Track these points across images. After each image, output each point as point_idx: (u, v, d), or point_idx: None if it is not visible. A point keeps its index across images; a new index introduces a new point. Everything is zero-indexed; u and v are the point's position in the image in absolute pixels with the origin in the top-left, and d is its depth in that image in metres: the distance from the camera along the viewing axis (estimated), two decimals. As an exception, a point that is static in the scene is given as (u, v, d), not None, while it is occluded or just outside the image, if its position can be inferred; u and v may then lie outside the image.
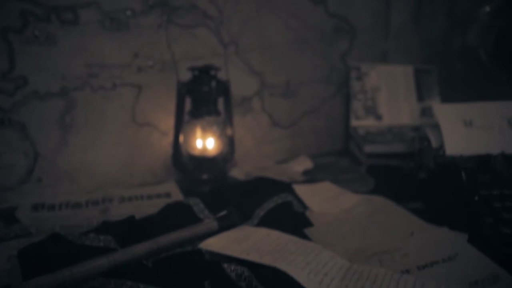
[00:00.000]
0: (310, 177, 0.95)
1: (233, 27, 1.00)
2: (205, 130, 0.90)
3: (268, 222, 0.76)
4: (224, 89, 0.91)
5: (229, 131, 0.95)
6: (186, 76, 0.91)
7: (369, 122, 1.16)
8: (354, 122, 1.15)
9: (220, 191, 0.87)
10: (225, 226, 0.73)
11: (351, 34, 1.19)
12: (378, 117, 1.16)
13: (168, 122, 0.94)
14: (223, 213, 0.75)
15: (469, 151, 0.79)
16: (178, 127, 0.89)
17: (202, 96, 0.87)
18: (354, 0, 1.17)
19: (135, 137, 0.94)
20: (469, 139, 0.80)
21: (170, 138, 0.94)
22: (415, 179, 0.84)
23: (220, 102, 0.94)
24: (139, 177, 0.97)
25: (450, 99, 1.23)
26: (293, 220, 0.76)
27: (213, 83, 0.87)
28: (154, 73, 0.93)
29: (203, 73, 0.86)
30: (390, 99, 1.18)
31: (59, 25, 0.82)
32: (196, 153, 0.91)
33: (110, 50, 0.88)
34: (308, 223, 0.77)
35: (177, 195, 0.90)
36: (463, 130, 0.81)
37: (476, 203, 0.72)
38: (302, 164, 1.01)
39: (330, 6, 1.13)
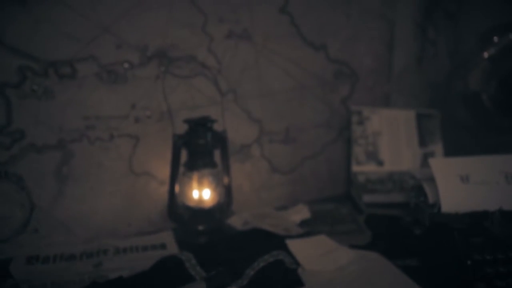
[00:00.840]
0: (307, 228, 0.92)
1: (231, 76, 0.99)
2: (201, 182, 0.88)
3: (258, 282, 0.73)
4: (220, 139, 0.89)
5: (226, 180, 0.93)
6: (183, 126, 0.90)
7: (370, 168, 1.13)
8: (355, 168, 1.12)
9: (215, 244, 0.85)
10: (213, 287, 0.71)
11: (353, 78, 1.17)
12: (379, 163, 1.13)
13: (165, 171, 0.93)
14: (213, 273, 0.73)
15: (465, 207, 0.75)
16: (174, 179, 0.87)
17: (198, 149, 0.85)
18: (356, 45, 1.16)
19: (133, 186, 0.93)
20: (465, 196, 0.77)
21: (167, 187, 0.93)
22: (412, 234, 0.81)
23: (217, 151, 0.93)
24: (137, 225, 0.95)
25: (453, 144, 1.20)
26: (283, 280, 0.73)
27: (209, 135, 0.86)
28: (151, 123, 0.92)
29: (199, 126, 0.85)
30: (391, 145, 1.15)
31: (56, 79, 0.82)
32: (192, 204, 0.89)
33: (108, 102, 0.87)
34: (300, 283, 0.74)
35: (172, 247, 0.88)
36: (459, 186, 0.77)
37: (469, 267, 0.68)
38: (300, 214, 0.98)
39: (331, 51, 1.12)
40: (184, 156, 0.89)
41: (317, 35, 1.09)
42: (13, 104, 0.80)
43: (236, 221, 0.98)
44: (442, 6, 1.35)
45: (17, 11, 0.77)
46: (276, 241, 0.82)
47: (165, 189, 0.94)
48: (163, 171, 0.94)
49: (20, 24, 0.77)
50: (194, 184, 0.87)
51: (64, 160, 0.85)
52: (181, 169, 0.89)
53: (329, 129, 1.15)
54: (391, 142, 1.14)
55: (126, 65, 0.88)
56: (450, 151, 1.16)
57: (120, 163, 0.91)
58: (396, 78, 1.27)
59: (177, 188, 0.90)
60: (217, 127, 0.90)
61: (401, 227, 0.85)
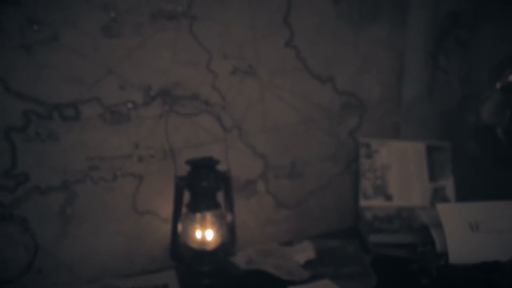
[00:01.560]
0: (311, 270, 0.91)
1: (236, 112, 0.99)
2: (203, 223, 0.87)
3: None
4: (224, 179, 0.89)
5: (229, 218, 0.92)
6: (187, 165, 0.90)
7: (378, 202, 1.10)
8: (362, 202, 1.10)
9: (218, 287, 0.84)
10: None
11: (361, 109, 1.16)
12: (388, 198, 1.10)
13: (169, 209, 0.92)
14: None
15: (475, 258, 0.73)
16: (176, 220, 0.87)
17: (201, 191, 0.85)
18: (364, 76, 1.14)
19: (136, 225, 0.93)
20: (475, 245, 0.75)
21: (170, 226, 0.93)
22: (419, 282, 0.79)
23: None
24: (140, 263, 0.95)
25: (464, 178, 1.17)
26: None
27: (212, 177, 0.85)
28: (155, 162, 0.92)
29: (202, 168, 0.85)
30: (400, 178, 1.12)
31: (60, 121, 0.83)
32: (195, 245, 0.88)
33: (111, 143, 0.87)
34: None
35: (175, 288, 0.87)
36: (468, 235, 0.75)
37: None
38: (305, 252, 0.96)
39: (338, 83, 1.11)
40: (187, 196, 0.89)
41: (324, 67, 1.08)
42: (18, 148, 0.80)
43: (240, 259, 0.97)
44: (454, 34, 1.32)
45: (22, 57, 0.78)
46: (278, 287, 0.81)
47: (168, 227, 0.94)
48: (167, 209, 0.93)
49: (25, 70, 0.78)
50: (197, 225, 0.87)
51: (67, 201, 0.86)
52: (184, 209, 0.88)
53: (336, 162, 1.14)
54: (400, 176, 1.12)
55: (129, 105, 0.88)
56: (462, 186, 1.13)
57: (124, 202, 0.91)
58: (406, 108, 1.25)
59: (180, 228, 0.89)
60: (221, 165, 0.90)
61: (408, 273, 0.83)
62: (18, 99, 0.79)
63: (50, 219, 0.85)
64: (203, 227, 0.87)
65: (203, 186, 0.84)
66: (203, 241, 0.88)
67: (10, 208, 0.82)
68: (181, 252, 0.90)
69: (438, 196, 1.09)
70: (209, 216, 0.87)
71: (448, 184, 1.10)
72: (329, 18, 1.07)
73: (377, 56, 1.16)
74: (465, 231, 0.76)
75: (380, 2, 1.14)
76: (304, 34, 1.03)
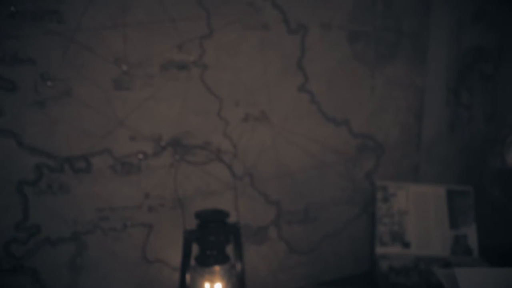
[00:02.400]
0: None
1: (248, 159, 1.00)
2: (212, 277, 0.87)
3: None
4: (233, 231, 0.89)
5: (238, 267, 0.92)
6: (198, 209, 0.91)
7: (395, 250, 1.08)
8: (378, 249, 1.09)
9: None
10: None
11: (378, 151, 1.14)
12: (405, 245, 1.09)
13: (179, 258, 0.93)
14: None
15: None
16: (184, 273, 0.87)
17: (210, 245, 0.86)
18: (381, 117, 1.14)
19: (146, 274, 0.94)
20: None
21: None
22: None
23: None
24: (149, 312, 0.96)
25: (486, 225, 1.14)
26: None
27: (221, 230, 0.86)
28: (165, 211, 0.93)
29: (210, 222, 0.85)
30: (419, 225, 1.10)
31: (72, 174, 0.85)
32: (203, 298, 0.89)
33: (121, 193, 0.89)
34: None
35: None
36: (489, 302, 0.73)
37: None
38: (317, 305, 0.96)
39: (354, 125, 1.10)
40: (195, 247, 0.90)
41: (339, 110, 1.08)
42: (30, 201, 0.83)
43: (250, 309, 0.97)
44: (478, 68, 1.30)
45: (35, 113, 0.80)
46: None
47: (178, 275, 0.95)
48: (177, 257, 0.94)
49: (38, 125, 0.81)
50: (205, 279, 0.87)
51: (77, 251, 0.88)
52: (193, 261, 0.89)
53: (352, 205, 1.13)
54: (418, 222, 1.10)
55: (140, 156, 0.90)
56: (484, 233, 1.10)
57: (133, 251, 0.93)
58: (426, 148, 1.23)
59: (188, 279, 0.90)
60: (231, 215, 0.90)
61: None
62: (31, 153, 0.82)
63: (60, 270, 0.88)
64: (212, 280, 0.88)
65: (211, 241, 0.85)
66: (212, 294, 0.89)
67: (21, 260, 0.85)
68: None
69: (459, 245, 1.07)
70: (218, 269, 0.88)
71: (470, 232, 1.08)
72: (345, 59, 1.07)
73: (395, 96, 1.15)
74: (483, 297, 0.75)
75: (398, 40, 1.13)
76: (318, 77, 1.04)
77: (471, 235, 1.07)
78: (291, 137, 1.03)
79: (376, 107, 1.12)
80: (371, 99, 1.11)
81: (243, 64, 0.95)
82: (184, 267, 0.89)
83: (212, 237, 0.85)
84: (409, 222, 1.09)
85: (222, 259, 0.87)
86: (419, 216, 1.10)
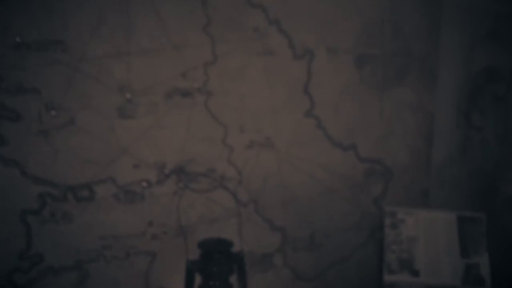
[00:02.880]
0: None
1: (252, 186, 0.99)
2: (215, 307, 0.88)
3: None
4: (237, 260, 0.89)
5: (244, 297, 0.92)
6: (202, 236, 0.91)
7: (403, 278, 1.07)
8: (387, 277, 1.07)
9: None
10: None
11: (386, 176, 1.13)
12: (414, 273, 1.07)
13: (182, 285, 0.94)
14: None
15: None
16: (187, 304, 0.88)
17: (212, 276, 0.85)
18: (389, 141, 1.12)
19: (148, 302, 0.95)
20: None
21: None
22: None
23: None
24: None
25: (501, 256, 1.11)
26: None
27: (225, 261, 0.86)
28: (168, 239, 0.94)
29: (213, 252, 0.85)
30: (428, 253, 1.08)
31: (75, 203, 0.86)
32: (206, 328, 0.89)
33: (125, 222, 0.90)
34: None
35: None
36: None
37: None
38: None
39: (361, 150, 1.10)
40: (199, 276, 0.90)
41: (346, 135, 1.07)
42: (33, 230, 0.84)
43: (255, 339, 0.96)
44: (489, 89, 1.28)
45: (39, 142, 0.82)
46: None
47: (181, 303, 0.95)
48: (180, 285, 0.95)
49: (42, 154, 0.83)
50: (208, 309, 0.87)
51: (80, 280, 0.89)
52: (196, 292, 0.89)
53: (359, 231, 1.12)
54: (428, 249, 1.08)
55: (143, 184, 0.90)
56: (498, 263, 1.08)
57: (136, 280, 0.93)
58: (436, 171, 1.22)
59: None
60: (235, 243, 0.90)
61: None
62: (34, 182, 0.83)
63: (62, 298, 0.89)
64: (215, 311, 0.88)
65: (214, 272, 0.85)
66: (215, 325, 0.88)
67: (24, 288, 0.86)
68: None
69: (471, 274, 1.05)
70: (221, 300, 0.87)
71: (482, 261, 1.05)
72: (352, 83, 1.06)
73: (404, 119, 1.14)
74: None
75: (407, 63, 1.13)
76: (325, 102, 1.04)
77: (483, 264, 1.05)
78: (296, 163, 1.03)
79: (384, 131, 1.12)
80: (379, 123, 1.10)
81: (248, 90, 0.96)
82: (187, 298, 0.89)
83: (215, 268, 0.85)
84: (418, 250, 1.08)
85: (225, 289, 0.87)
86: (429, 243, 1.08)
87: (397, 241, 1.10)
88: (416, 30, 1.13)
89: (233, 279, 0.90)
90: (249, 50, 0.94)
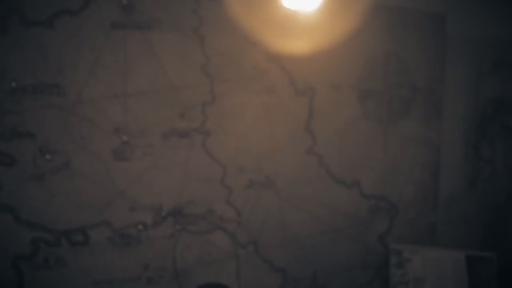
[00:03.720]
0: None
1: (252, 227, 0.98)
2: None
3: None
4: (236, 307, 0.88)
5: None
6: (199, 279, 0.90)
7: (410, 321, 1.05)
8: (392, 320, 1.06)
9: None
10: None
11: (392, 212, 1.12)
12: (421, 316, 1.05)
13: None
14: None
15: None
16: None
17: (209, 324, 0.85)
18: (394, 176, 1.11)
19: None
20: None
21: None
22: None
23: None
24: None
25: (510, 297, 1.09)
26: None
27: (222, 308, 0.85)
28: (165, 283, 0.92)
29: (211, 299, 0.84)
30: (436, 295, 1.07)
31: (69, 247, 0.85)
32: None
33: (120, 265, 0.89)
34: None
35: None
36: None
37: None
38: None
39: (365, 187, 1.08)
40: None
41: (350, 172, 1.06)
42: (25, 276, 0.84)
43: None
44: (499, 120, 1.27)
45: (34, 187, 0.82)
46: None
47: None
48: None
49: (36, 199, 0.82)
50: None
51: (74, 327, 0.88)
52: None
53: (364, 270, 1.10)
54: (435, 291, 1.06)
55: (140, 227, 0.90)
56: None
57: (132, 325, 0.92)
58: (444, 206, 1.20)
59: None
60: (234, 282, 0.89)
61: None
62: (28, 227, 0.83)
63: None
64: None
65: (212, 320, 0.84)
66: None
67: (15, 337, 0.85)
68: None
69: (479, 318, 1.02)
70: None
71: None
72: (356, 119, 1.05)
73: (409, 153, 1.13)
74: None
75: (412, 96, 1.12)
76: (327, 139, 1.03)
77: (493, 308, 1.03)
78: (298, 202, 1.02)
79: (389, 167, 1.10)
80: (383, 159, 1.09)
81: (248, 129, 0.95)
82: None
83: (212, 316, 0.84)
84: (425, 291, 1.06)
85: (222, 338, 0.86)
86: (436, 284, 1.06)
87: (403, 281, 1.08)
88: (420, 63, 1.12)
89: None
90: (248, 88, 0.94)
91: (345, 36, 1.00)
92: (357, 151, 1.07)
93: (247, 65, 0.93)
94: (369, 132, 1.08)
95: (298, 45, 0.97)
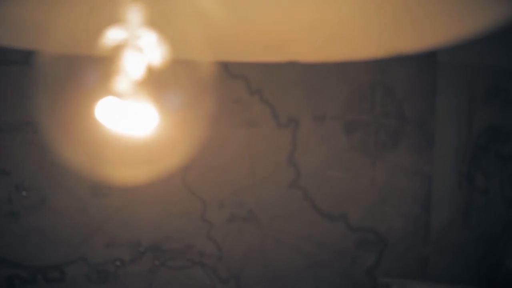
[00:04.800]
0: None
1: (233, 262, 0.98)
2: None
3: None
4: None
5: None
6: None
7: None
8: None
9: None
10: None
11: (380, 245, 1.10)
12: None
13: None
14: None
15: None
16: None
17: None
18: (383, 209, 1.10)
19: None
20: None
21: None
22: None
23: None
24: None
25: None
26: None
27: None
28: (143, 320, 0.93)
29: None
30: (424, 333, 1.05)
31: (44, 284, 0.86)
32: None
33: (97, 303, 0.90)
34: None
35: None
36: None
37: None
38: None
39: (352, 220, 1.07)
40: None
41: (336, 205, 1.05)
42: (-1, 314, 0.84)
43: None
44: (494, 150, 1.25)
45: (9, 224, 0.83)
46: None
47: None
48: None
49: (11, 236, 0.84)
50: None
51: None
52: None
53: (351, 305, 1.09)
54: (424, 329, 1.05)
55: (117, 263, 0.90)
56: None
57: None
58: (436, 238, 1.18)
59: None
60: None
61: None
62: (3, 265, 0.84)
63: None
64: None
65: None
66: None
67: None
68: None
69: None
70: None
71: None
72: (341, 151, 1.05)
73: (398, 185, 1.12)
74: None
75: (401, 126, 1.11)
76: (311, 172, 1.02)
77: None
78: (281, 236, 1.01)
79: (377, 199, 1.09)
80: (371, 191, 1.08)
81: (229, 163, 0.95)
82: None
83: None
84: (413, 329, 1.04)
85: None
86: (425, 322, 1.05)
87: (391, 319, 1.06)
88: (410, 92, 1.11)
89: None
90: (229, 121, 0.95)
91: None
92: (343, 183, 1.06)
93: (228, 99, 0.94)
94: (355, 164, 1.07)
95: (279, 76, 0.97)
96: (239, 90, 0.95)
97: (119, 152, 0.53)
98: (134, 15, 0.48)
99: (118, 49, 0.46)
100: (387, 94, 1.09)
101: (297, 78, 0.99)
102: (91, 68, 0.50)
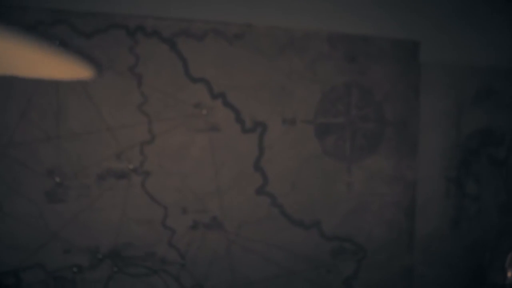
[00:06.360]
0: None
1: (197, 270, 0.96)
2: None
3: None
4: None
5: None
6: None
7: None
8: None
9: None
10: None
11: (359, 254, 1.06)
12: None
13: None
14: None
15: None
16: None
17: None
18: (361, 216, 1.06)
19: None
20: None
21: None
22: None
23: None
24: None
25: None
26: None
27: None
28: (103, 328, 0.92)
29: None
30: None
31: (1, 290, 0.86)
32: None
33: (55, 310, 0.89)
34: None
35: None
36: None
37: None
38: None
39: (327, 228, 1.03)
40: None
41: (308, 212, 1.02)
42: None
43: None
44: (486, 154, 1.18)
45: (-38, 229, 0.83)
46: None
47: None
48: None
49: (-35, 241, 0.84)
50: None
51: None
52: None
53: (326, 317, 1.05)
54: None
55: (74, 269, 0.89)
56: None
57: None
58: (422, 247, 1.13)
59: None
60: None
61: None
62: (-42, 270, 0.84)
63: None
64: None
65: None
66: None
67: None
68: None
69: None
70: None
71: None
72: (313, 156, 1.01)
73: (378, 191, 1.07)
74: None
75: (381, 130, 1.06)
76: (280, 178, 0.99)
77: None
78: (248, 244, 0.98)
79: (355, 206, 1.05)
80: (347, 197, 1.04)
81: (191, 169, 0.93)
82: None
83: None
84: None
85: None
86: (403, 336, 1.00)
87: (368, 331, 1.01)
88: (389, 94, 1.07)
89: None
90: (190, 126, 0.93)
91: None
92: (316, 190, 1.02)
93: (189, 103, 0.92)
94: (329, 169, 1.03)
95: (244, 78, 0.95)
96: (200, 94, 0.93)
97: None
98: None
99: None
100: (364, 96, 1.04)
101: (263, 80, 0.97)
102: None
